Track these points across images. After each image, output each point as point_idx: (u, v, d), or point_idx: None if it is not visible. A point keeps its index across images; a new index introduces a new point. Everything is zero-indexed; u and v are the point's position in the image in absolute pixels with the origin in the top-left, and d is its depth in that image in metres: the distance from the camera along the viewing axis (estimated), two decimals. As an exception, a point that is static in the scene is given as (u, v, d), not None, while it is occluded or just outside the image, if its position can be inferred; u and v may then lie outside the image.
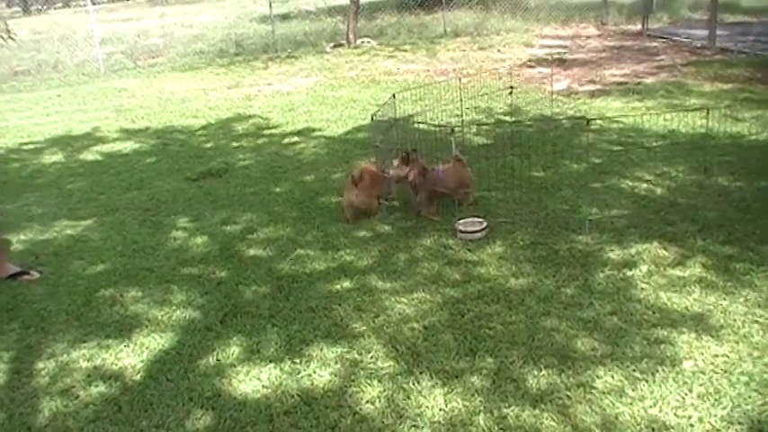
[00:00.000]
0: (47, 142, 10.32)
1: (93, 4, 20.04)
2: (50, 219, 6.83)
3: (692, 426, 3.23)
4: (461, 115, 8.82)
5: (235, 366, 4.01)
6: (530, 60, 13.58)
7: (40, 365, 4.23)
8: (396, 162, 5.92)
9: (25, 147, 10.18)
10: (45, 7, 43.24)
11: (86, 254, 5.90)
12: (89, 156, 9.32)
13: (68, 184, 8.08)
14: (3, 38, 23.21)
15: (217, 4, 35.96)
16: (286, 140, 9.16)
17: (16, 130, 11.30)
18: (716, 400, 3.39)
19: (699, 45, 13.64)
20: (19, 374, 4.16)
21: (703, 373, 3.61)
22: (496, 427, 3.33)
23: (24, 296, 5.18)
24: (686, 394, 3.45)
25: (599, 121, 8.22)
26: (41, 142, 10.35)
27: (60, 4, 45.47)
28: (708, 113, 5.54)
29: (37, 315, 4.86)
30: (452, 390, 3.62)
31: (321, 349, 4.10)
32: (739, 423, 3.23)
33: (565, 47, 15.06)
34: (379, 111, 6.77)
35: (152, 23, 26.95)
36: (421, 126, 7.67)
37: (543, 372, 3.71)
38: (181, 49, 19.87)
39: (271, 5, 18.89)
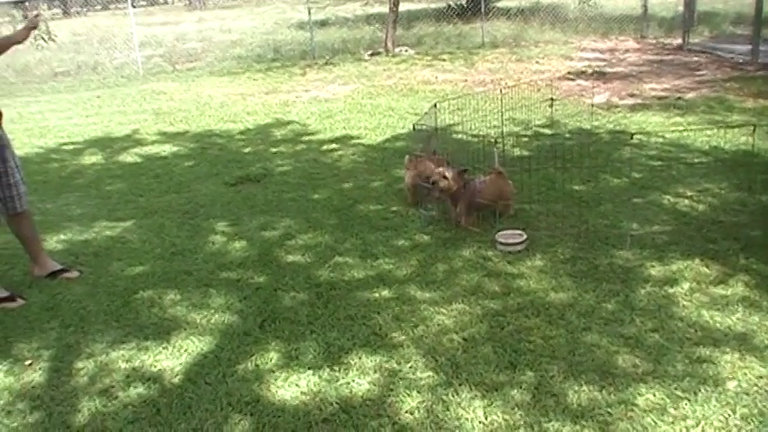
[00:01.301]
0: (86, 143, 10.41)
1: (133, 7, 20.23)
2: (90, 219, 6.88)
3: (736, 447, 3.19)
4: (501, 126, 8.78)
5: (273, 372, 4.01)
6: (569, 73, 13.50)
7: (80, 365, 4.25)
8: (445, 172, 5.84)
9: (65, 147, 10.27)
10: (85, 9, 43.64)
11: (125, 255, 5.93)
12: (128, 158, 9.39)
13: (107, 185, 8.14)
14: (44, 39, 23.56)
15: (255, 10, 36.16)
16: (324, 147, 9.17)
17: (57, 131, 11.41)
18: (760, 422, 3.34)
19: (741, 60, 13.48)
20: (58, 373, 4.19)
21: (747, 393, 3.55)
22: (537, 443, 3.31)
23: (64, 295, 5.22)
24: (730, 415, 3.40)
25: (639, 136, 8.15)
26: (81, 143, 10.45)
27: (100, 7, 45.86)
28: (754, 130, 5.47)
29: (76, 314, 4.90)
30: (492, 403, 3.59)
31: (360, 358, 4.09)
32: (785, 446, 3.18)
33: (604, 60, 14.97)
34: (420, 120, 6.76)
35: (190, 27, 27.13)
36: (460, 136, 7.65)
37: (584, 387, 3.67)
38: (219, 53, 19.99)
39: (309, 12, 18.95)
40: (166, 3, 48.07)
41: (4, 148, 5.21)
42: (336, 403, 3.69)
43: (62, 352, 4.42)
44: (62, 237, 6.45)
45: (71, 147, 10.27)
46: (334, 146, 9.20)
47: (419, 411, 3.57)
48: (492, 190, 5.94)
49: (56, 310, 4.99)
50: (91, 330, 4.65)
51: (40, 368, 4.25)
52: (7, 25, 26.75)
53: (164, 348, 4.36)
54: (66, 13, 41.36)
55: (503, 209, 5.96)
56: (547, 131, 9.13)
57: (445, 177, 5.75)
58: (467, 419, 3.49)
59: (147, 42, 20.89)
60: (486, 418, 3.48)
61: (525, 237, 5.46)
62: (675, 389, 3.62)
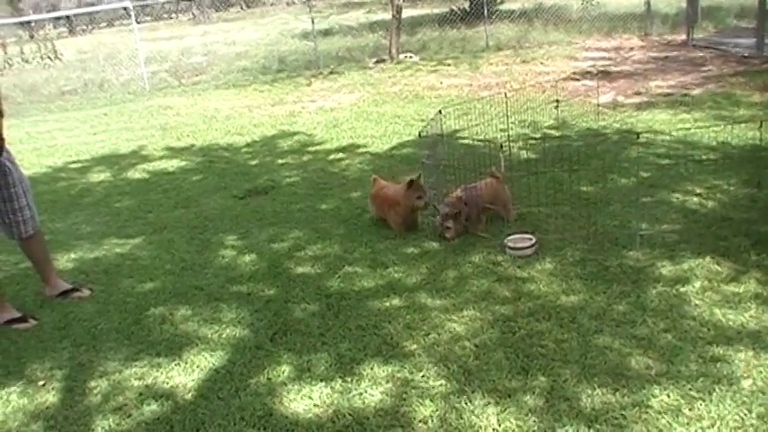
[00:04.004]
0: (94, 161, 10.45)
1: (138, 23, 20.30)
2: (99, 237, 6.90)
3: (753, 447, 3.17)
4: (507, 130, 8.76)
5: (286, 385, 4.01)
6: (574, 73, 13.47)
7: (93, 384, 4.25)
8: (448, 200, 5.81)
9: (73, 165, 10.31)
10: (90, 27, 43.90)
11: (136, 272, 5.94)
12: (136, 174, 9.42)
13: (116, 202, 8.16)
14: (50, 58, 23.69)
15: (258, 21, 36.26)
16: (331, 157, 9.18)
17: (64, 149, 11.45)
18: (777, 420, 3.32)
19: (746, 54, 13.42)
20: (72, 393, 4.19)
21: (762, 392, 3.53)
22: (552, 448, 3.29)
23: (75, 314, 5.22)
24: (746, 414, 3.37)
25: (647, 135, 8.13)
26: (89, 161, 10.48)
27: (105, 24, 46.13)
28: (761, 125, 5.43)
29: (88, 333, 4.90)
30: (505, 409, 3.58)
31: (372, 368, 4.08)
32: (802, 444, 3.16)
33: (609, 59, 14.92)
34: (426, 127, 6.75)
35: (195, 41, 27.19)
36: (467, 142, 7.64)
37: (597, 390, 3.65)
38: (224, 66, 20.04)
39: (313, 21, 18.96)
40: (171, 18, 48.23)
41: (6, 175, 5.17)
42: (350, 414, 3.68)
43: (75, 371, 4.42)
44: (72, 255, 6.46)
45: (79, 165, 10.31)
46: (340, 155, 9.20)
47: (432, 420, 3.56)
48: (488, 193, 5.93)
49: (68, 330, 4.99)
50: (103, 348, 4.66)
51: (53, 388, 4.26)
52: (14, 45, 26.93)
53: (176, 365, 4.36)
54: (71, 32, 41.68)
55: (505, 213, 5.95)
56: (554, 133, 9.11)
57: (455, 205, 5.73)
58: (480, 427, 3.47)
59: (152, 58, 20.97)
60: (499, 425, 3.47)
61: (534, 240, 5.45)
62: (690, 389, 3.59)
